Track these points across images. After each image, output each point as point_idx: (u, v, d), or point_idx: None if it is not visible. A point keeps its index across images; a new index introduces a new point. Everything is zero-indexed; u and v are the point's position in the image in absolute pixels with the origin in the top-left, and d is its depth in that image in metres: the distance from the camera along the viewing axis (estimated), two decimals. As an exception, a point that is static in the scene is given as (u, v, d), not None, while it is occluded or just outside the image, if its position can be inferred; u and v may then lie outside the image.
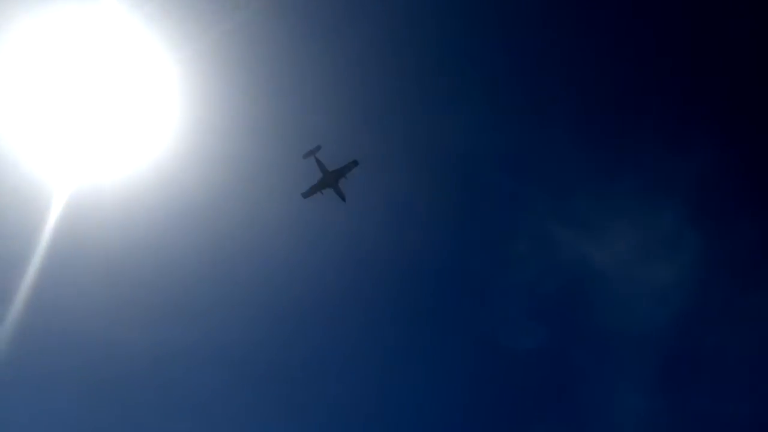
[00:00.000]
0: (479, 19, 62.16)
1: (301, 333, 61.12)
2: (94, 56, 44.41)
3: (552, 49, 69.35)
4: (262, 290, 57.68)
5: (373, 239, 58.02)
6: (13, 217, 47.80)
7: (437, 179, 61.95)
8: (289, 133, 49.68)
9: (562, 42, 71.05)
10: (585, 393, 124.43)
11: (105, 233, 51.57)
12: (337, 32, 53.69)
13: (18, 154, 47.65)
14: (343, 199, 47.78)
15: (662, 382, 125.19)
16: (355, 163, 45.86)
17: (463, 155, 72.71)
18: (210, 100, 49.17)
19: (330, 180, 45.95)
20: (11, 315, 45.38)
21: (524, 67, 73.92)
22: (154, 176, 50.31)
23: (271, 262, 55.74)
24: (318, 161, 44.40)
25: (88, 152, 47.55)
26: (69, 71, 44.59)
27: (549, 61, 70.87)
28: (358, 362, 66.26)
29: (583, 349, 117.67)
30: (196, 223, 55.00)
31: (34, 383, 57.79)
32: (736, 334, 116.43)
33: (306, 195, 47.32)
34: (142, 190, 50.62)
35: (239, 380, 61.78)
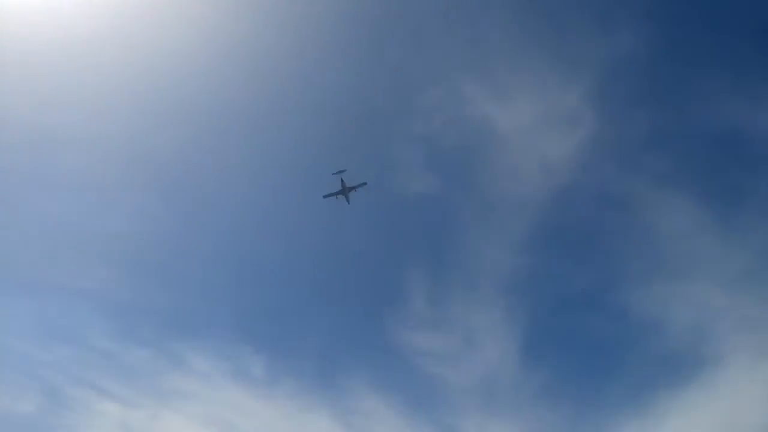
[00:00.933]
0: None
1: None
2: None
3: None
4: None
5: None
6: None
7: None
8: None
9: None
10: (460, 243, 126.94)
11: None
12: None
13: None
14: (348, 203, 70.52)
15: (529, 244, 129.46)
16: (364, 183, 68.34)
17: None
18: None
19: (345, 192, 67.74)
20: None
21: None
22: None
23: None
24: (342, 179, 66.14)
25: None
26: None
27: None
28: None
29: (467, 204, 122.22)
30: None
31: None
32: (606, 216, 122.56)
33: (325, 196, 69.72)
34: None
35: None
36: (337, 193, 68.87)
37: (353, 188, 69.05)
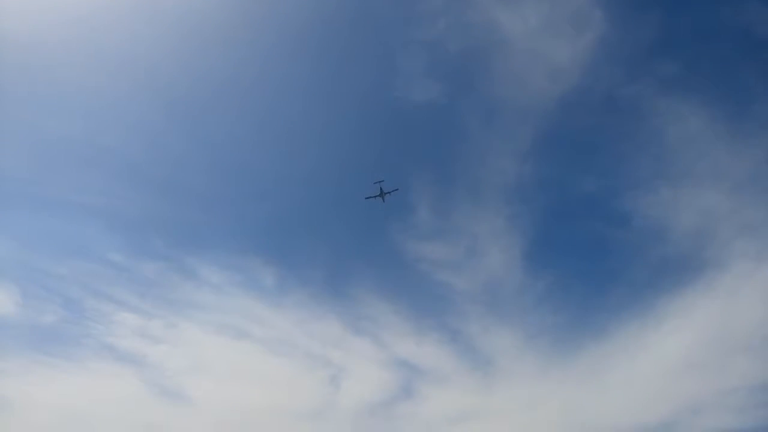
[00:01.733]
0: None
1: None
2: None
3: None
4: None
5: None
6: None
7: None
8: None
9: None
10: (465, 151, 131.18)
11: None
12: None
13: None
14: (383, 201, 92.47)
15: (534, 152, 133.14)
16: (396, 189, 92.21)
17: None
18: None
19: (382, 195, 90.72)
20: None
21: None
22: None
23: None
24: (380, 187, 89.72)
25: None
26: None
27: None
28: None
29: (472, 111, 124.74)
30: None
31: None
32: (612, 122, 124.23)
33: (367, 198, 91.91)
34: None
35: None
36: (375, 196, 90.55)
37: (388, 192, 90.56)
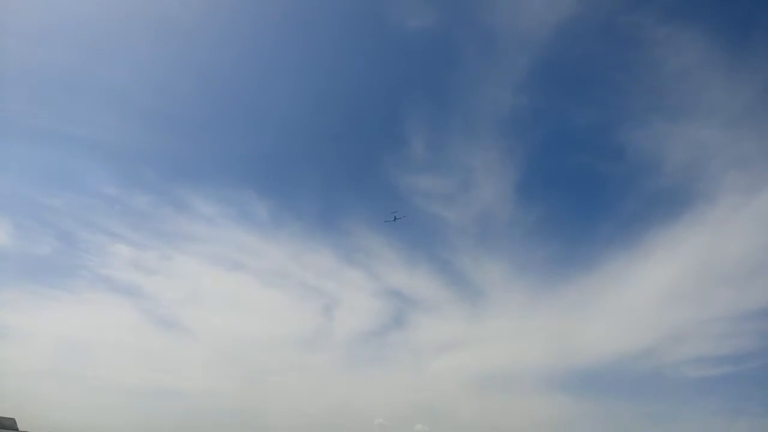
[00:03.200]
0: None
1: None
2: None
3: None
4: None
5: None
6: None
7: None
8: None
9: None
10: (460, 82, 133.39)
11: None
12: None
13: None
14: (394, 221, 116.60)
15: (530, 82, 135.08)
16: (405, 216, 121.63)
17: None
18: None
19: (395, 219, 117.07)
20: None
21: None
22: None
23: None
24: (396, 215, 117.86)
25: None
26: None
27: None
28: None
29: (467, 39, 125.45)
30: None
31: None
32: (610, 52, 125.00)
33: (386, 220, 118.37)
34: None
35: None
36: (391, 220, 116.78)
37: (400, 218, 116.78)
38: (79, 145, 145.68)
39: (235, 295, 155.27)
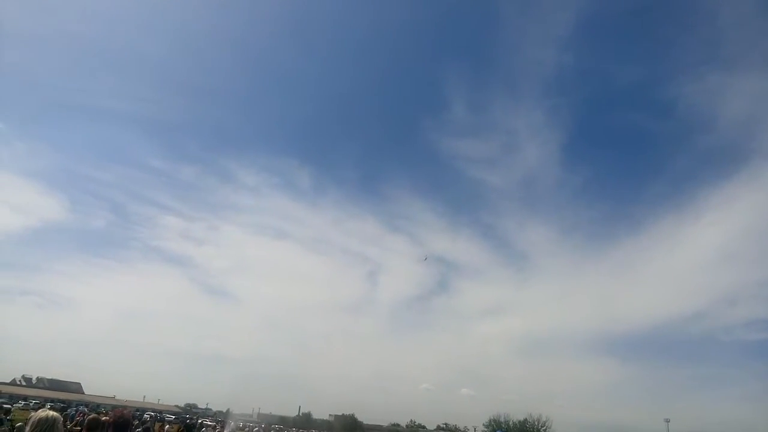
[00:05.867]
0: None
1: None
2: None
3: None
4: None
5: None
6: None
7: None
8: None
9: None
10: (500, 41, 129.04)
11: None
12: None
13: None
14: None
15: (573, 39, 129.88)
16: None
17: None
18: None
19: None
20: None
21: None
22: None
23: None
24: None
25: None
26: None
27: None
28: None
29: None
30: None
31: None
32: (657, 3, 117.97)
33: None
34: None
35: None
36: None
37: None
38: (124, 119, 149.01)
39: (281, 263, 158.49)
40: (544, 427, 68.00)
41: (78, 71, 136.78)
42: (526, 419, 68.65)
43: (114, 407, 57.03)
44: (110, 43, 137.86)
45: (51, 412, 3.89)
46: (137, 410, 56.71)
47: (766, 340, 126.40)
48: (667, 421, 63.39)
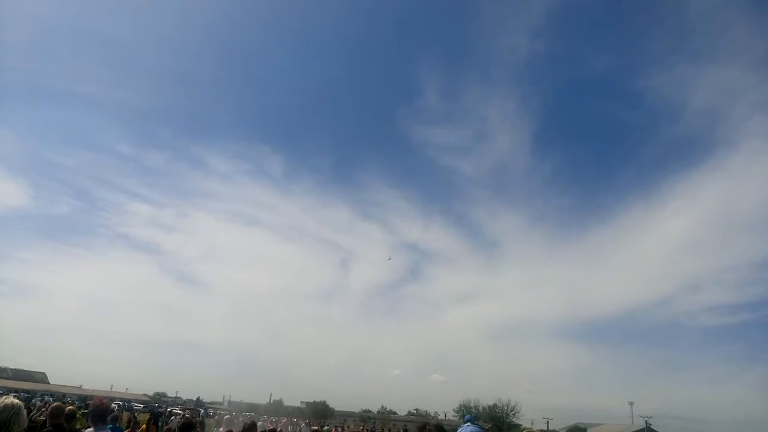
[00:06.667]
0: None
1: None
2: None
3: None
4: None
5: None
6: None
7: None
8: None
9: None
10: (474, 29, 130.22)
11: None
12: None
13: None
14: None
15: (547, 27, 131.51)
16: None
17: None
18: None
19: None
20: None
21: None
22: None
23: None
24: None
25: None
26: None
27: None
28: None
29: None
30: None
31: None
32: None
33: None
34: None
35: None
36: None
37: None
38: (89, 103, 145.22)
39: (252, 251, 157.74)
40: (513, 412, 69.30)
41: (40, 54, 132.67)
42: (495, 404, 69.91)
43: (81, 397, 56.24)
44: (74, 25, 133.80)
45: (14, 399, 3.75)
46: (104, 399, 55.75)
47: (727, 325, 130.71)
48: (631, 403, 65.32)
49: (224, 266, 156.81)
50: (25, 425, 3.65)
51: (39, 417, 13.87)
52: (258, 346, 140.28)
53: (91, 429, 5.37)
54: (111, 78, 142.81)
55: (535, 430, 63.60)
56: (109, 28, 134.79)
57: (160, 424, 25.36)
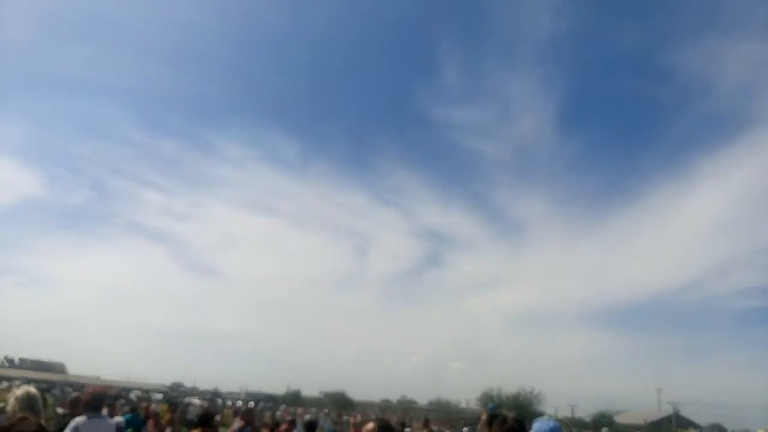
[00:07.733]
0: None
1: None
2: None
3: None
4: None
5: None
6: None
7: None
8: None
9: None
10: (495, 5, 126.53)
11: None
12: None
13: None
14: None
15: (569, 4, 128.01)
16: None
17: None
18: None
19: None
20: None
21: None
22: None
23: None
24: None
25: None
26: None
27: None
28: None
29: None
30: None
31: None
32: None
33: None
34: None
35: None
36: None
37: None
38: (101, 90, 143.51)
39: (267, 238, 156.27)
40: (537, 399, 68.03)
41: (51, 41, 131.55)
42: (518, 392, 68.54)
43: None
44: (84, 11, 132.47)
45: (31, 389, 4.01)
46: (123, 389, 55.52)
47: (758, 308, 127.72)
48: (659, 390, 63.82)
49: (239, 255, 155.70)
50: (43, 415, 3.89)
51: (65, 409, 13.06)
52: (274, 336, 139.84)
53: (83, 417, 5.47)
54: (119, 64, 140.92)
55: (559, 417, 62.21)
56: (117, 12, 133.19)
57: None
